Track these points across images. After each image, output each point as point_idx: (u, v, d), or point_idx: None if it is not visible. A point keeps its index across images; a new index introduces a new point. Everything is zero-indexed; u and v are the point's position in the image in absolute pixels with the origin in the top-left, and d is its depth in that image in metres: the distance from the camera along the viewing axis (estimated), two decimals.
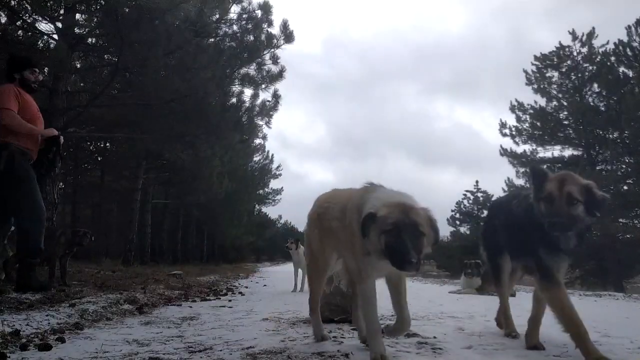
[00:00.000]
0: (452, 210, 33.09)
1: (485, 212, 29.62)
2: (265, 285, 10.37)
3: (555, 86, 23.66)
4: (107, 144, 18.62)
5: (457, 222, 32.86)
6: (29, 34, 9.75)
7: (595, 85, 22.18)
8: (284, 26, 10.93)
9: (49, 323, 3.30)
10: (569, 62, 23.28)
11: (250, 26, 10.98)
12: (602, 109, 21.72)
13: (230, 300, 6.12)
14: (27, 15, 8.84)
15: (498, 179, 73.10)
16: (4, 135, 4.29)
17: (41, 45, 10.21)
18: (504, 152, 23.79)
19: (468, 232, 30.95)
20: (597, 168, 21.47)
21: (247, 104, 12.40)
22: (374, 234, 2.12)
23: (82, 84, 11.34)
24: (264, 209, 40.32)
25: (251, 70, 11.46)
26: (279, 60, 11.28)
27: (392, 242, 2.04)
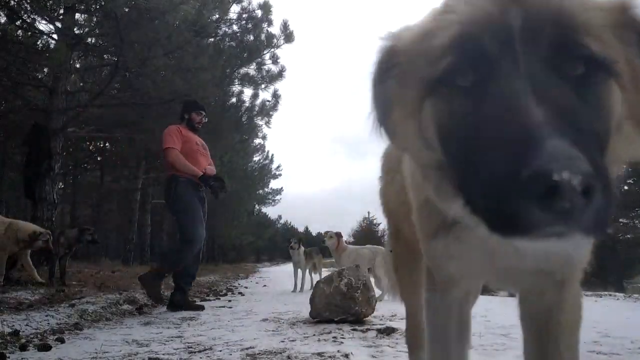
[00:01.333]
0: None
1: None
2: (265, 286, 10.37)
3: None
4: (107, 144, 18.59)
5: None
6: (29, 33, 9.75)
7: None
8: (284, 26, 10.91)
9: (48, 323, 3.29)
10: None
11: (250, 26, 10.95)
12: None
13: (230, 301, 6.12)
14: (26, 15, 8.82)
15: None
16: (173, 169, 4.90)
17: (41, 45, 10.21)
18: None
19: None
20: None
21: (247, 104, 12.40)
22: (405, 106, 0.78)
23: (81, 84, 11.30)
24: (264, 209, 40.31)
25: (251, 70, 11.44)
26: (279, 60, 11.29)
27: (460, 121, 0.66)
